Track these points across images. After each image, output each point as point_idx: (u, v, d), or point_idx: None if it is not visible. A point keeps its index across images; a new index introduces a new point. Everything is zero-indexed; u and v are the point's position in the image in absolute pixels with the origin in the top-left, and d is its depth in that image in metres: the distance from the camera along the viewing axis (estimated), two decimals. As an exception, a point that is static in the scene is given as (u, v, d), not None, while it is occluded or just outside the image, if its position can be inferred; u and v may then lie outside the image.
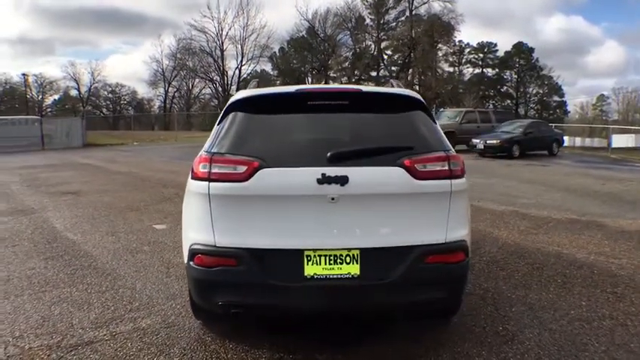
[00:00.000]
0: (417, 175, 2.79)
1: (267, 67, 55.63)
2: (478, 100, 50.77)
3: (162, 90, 58.98)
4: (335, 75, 50.67)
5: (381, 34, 50.71)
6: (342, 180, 2.72)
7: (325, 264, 2.76)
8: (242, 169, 2.77)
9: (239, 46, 52.29)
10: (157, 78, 56.07)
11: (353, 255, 2.77)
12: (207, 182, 2.81)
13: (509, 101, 62.00)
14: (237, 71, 53.40)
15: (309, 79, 52.55)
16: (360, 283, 2.76)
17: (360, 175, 2.76)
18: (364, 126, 3.12)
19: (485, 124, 20.56)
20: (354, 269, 2.76)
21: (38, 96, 68.07)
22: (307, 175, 2.73)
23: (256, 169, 2.76)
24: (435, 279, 2.84)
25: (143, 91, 78.36)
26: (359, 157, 2.83)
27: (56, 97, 69.67)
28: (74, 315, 3.76)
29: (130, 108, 67.93)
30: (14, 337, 3.39)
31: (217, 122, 3.16)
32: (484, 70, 61.88)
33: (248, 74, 53.64)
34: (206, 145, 3.00)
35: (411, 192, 2.80)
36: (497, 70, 61.45)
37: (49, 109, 67.79)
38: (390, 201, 2.82)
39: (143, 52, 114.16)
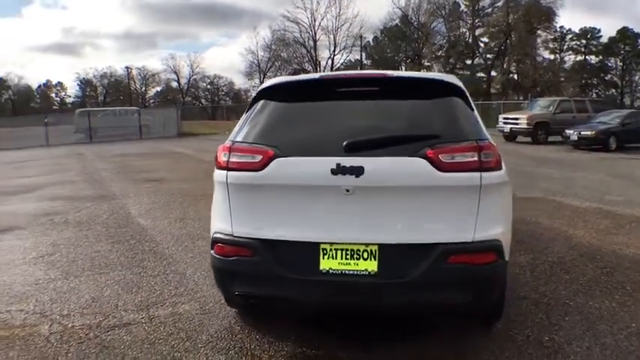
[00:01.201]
0: (440, 166, 2.60)
1: (361, 57, 55.99)
2: (580, 89, 48.18)
3: (257, 81, 61.40)
4: (429, 64, 49.64)
5: (476, 20, 49.04)
6: (357, 171, 2.61)
7: (342, 258, 2.67)
8: (258, 158, 2.78)
9: (331, 36, 53.18)
10: (253, 69, 58.57)
11: (371, 250, 2.66)
12: (225, 171, 2.87)
13: (613, 90, 58.70)
14: (329, 61, 54.34)
15: (403, 69, 52.02)
16: (377, 281, 2.64)
17: (376, 165, 2.64)
18: (389, 113, 2.99)
19: (582, 114, 19.58)
20: (372, 266, 2.65)
21: (141, 88, 74.34)
22: (322, 165, 2.66)
23: (271, 159, 2.75)
24: (460, 280, 2.65)
25: (240, 82, 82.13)
26: (377, 147, 2.70)
27: (158, 88, 75.57)
28: (121, 297, 4.01)
29: (227, 99, 71.67)
30: (62, 315, 3.69)
31: (245, 110, 3.18)
32: (587, 57, 58.98)
33: (341, 64, 54.34)
34: (232, 134, 3.04)
35: (434, 185, 2.63)
36: (600, 57, 58.71)
37: (151, 101, 73.85)
38: (410, 194, 2.67)
39: (240, 44, 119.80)
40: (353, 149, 2.66)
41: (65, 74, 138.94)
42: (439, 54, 50.23)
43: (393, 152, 2.67)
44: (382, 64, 51.26)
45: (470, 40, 49.69)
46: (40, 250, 5.49)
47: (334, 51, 53.71)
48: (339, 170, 2.62)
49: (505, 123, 20.33)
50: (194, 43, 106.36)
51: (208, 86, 74.22)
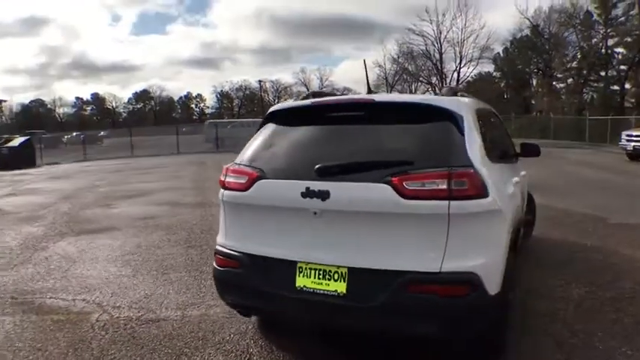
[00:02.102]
0: (404, 193, 2.66)
1: (490, 69, 54.17)
2: None
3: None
4: (560, 75, 46.29)
5: (609, 30, 44.71)
6: (323, 195, 2.79)
7: (315, 278, 2.86)
8: (244, 179, 3.14)
9: (457, 49, 52.27)
10: (379, 82, 59.42)
11: (341, 272, 2.80)
12: (223, 190, 3.29)
13: None
14: (455, 74, 53.38)
15: (533, 81, 49.16)
16: (345, 302, 2.77)
17: (341, 190, 2.79)
18: (372, 138, 3.07)
19: None
20: (341, 287, 2.78)
21: (274, 100, 79.05)
22: (294, 188, 2.88)
23: (255, 180, 3.08)
24: (425, 311, 2.65)
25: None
26: (345, 172, 2.84)
27: (290, 101, 79.89)
28: (169, 296, 4.55)
29: (355, 111, 73.46)
30: (114, 307, 4.32)
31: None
32: None
33: (471, 77, 53.10)
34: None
35: (397, 212, 2.68)
36: None
37: (283, 112, 78.19)
38: (375, 220, 2.74)
39: (371, 57, 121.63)
40: (323, 174, 2.85)
41: (205, 86, 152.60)
42: (570, 65, 46.90)
43: (361, 178, 2.78)
44: (512, 77, 49.25)
45: (603, 51, 45.74)
46: (124, 249, 6.34)
47: (460, 63, 52.70)
48: (307, 194, 2.83)
49: (628, 140, 18.14)
50: (327, 57, 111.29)
51: (338, 99, 76.75)
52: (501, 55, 50.85)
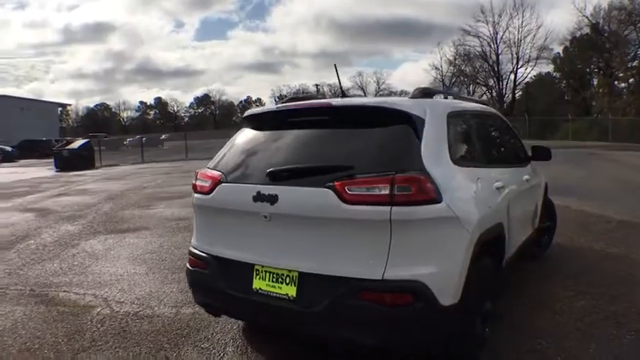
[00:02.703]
0: (346, 198, 2.66)
1: (550, 69, 52.45)
2: None
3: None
4: (621, 75, 43.94)
5: None
6: (272, 199, 2.88)
7: (269, 281, 2.95)
8: (208, 182, 3.30)
9: (514, 49, 51.03)
10: (436, 84, 58.81)
11: (292, 277, 2.87)
12: (193, 193, 3.46)
13: None
14: (512, 75, 52.07)
15: (594, 81, 47.02)
16: (295, 307, 2.83)
17: (288, 194, 2.86)
18: (328, 142, 3.10)
19: None
20: (292, 291, 2.85)
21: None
22: (247, 192, 2.99)
23: (216, 184, 3.23)
24: (367, 320, 2.64)
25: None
26: (293, 177, 2.91)
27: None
28: (171, 294, 4.78)
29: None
30: (118, 302, 4.59)
31: None
32: None
33: (530, 78, 51.67)
34: None
35: (339, 217, 2.69)
36: None
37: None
38: (321, 225, 2.77)
39: (431, 59, 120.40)
40: (274, 178, 2.95)
41: (264, 91, 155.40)
42: (632, 65, 44.56)
43: (308, 182, 2.83)
44: (571, 77, 47.55)
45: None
46: (146, 248, 6.66)
47: (517, 64, 51.32)
48: (258, 197, 2.93)
49: None
50: (386, 60, 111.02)
51: (397, 101, 76.84)
52: (561, 55, 49.13)
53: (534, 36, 49.50)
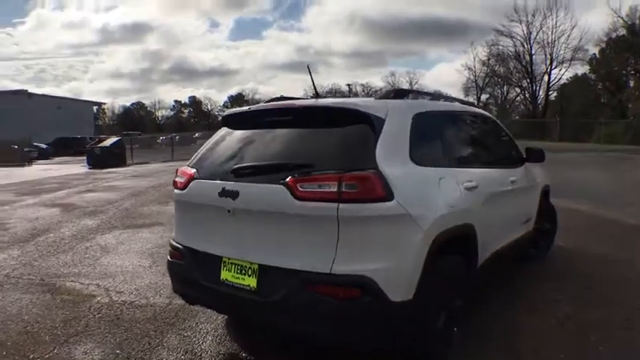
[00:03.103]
0: (297, 195, 2.82)
1: (584, 70, 51.29)
2: None
3: (471, 98, 61.30)
4: None
5: None
6: (234, 194, 3.09)
7: (234, 272, 3.15)
8: (184, 179, 3.55)
9: (547, 50, 50.17)
10: (469, 85, 58.23)
11: (253, 268, 3.06)
12: (174, 188, 3.69)
13: None
14: (545, 76, 51.12)
15: (630, 83, 45.77)
16: (255, 297, 3.03)
17: (247, 190, 3.07)
18: (290, 141, 3.28)
19: None
20: (253, 282, 3.05)
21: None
22: (214, 188, 3.22)
23: (190, 180, 3.48)
24: (318, 312, 2.79)
25: (459, 97, 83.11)
26: (254, 174, 3.11)
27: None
28: (168, 286, 4.83)
29: (445, 114, 72.64)
30: (117, 292, 4.88)
31: None
32: None
33: (566, 79, 50.67)
34: None
35: (292, 212, 2.85)
36: None
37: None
38: (276, 220, 2.95)
39: (465, 59, 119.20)
40: (236, 175, 3.17)
41: (298, 90, 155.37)
42: None
43: (266, 179, 3.02)
44: (607, 79, 46.51)
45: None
46: (156, 242, 6.97)
47: (551, 65, 50.37)
48: (223, 193, 3.14)
49: None
50: (421, 60, 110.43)
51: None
52: (597, 56, 47.95)
53: (568, 36, 48.69)
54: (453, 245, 3.32)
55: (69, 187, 14.80)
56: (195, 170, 3.52)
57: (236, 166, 3.23)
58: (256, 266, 3.06)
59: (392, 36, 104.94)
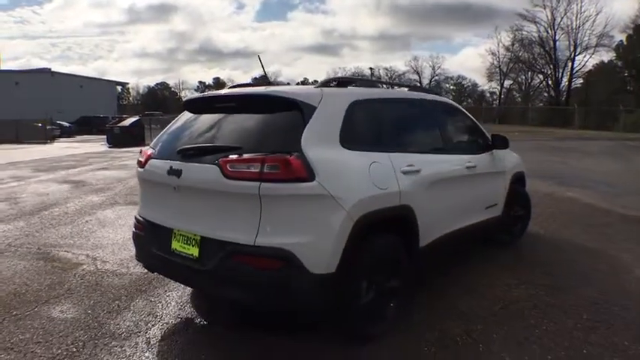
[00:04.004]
0: (226, 174, 3.15)
1: (610, 57, 50.25)
2: None
3: (494, 84, 60.57)
4: None
5: None
6: (177, 173, 3.47)
7: (182, 242, 3.54)
8: (143, 158, 3.96)
9: (572, 36, 49.19)
10: (492, 71, 57.52)
11: (196, 239, 3.44)
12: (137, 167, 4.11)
13: None
14: (569, 63, 50.14)
15: None
16: (195, 265, 3.41)
17: (188, 170, 3.44)
18: (230, 126, 3.64)
19: None
20: (195, 252, 3.42)
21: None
22: (164, 167, 3.61)
23: (148, 159, 3.89)
24: (242, 280, 3.14)
25: (482, 82, 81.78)
26: (195, 155, 3.47)
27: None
28: (152, 258, 5.46)
29: (469, 100, 71.63)
30: (103, 261, 5.39)
31: None
32: None
33: (592, 66, 49.78)
34: None
35: (222, 190, 3.19)
36: None
37: (392, 100, 78.72)
38: (211, 196, 3.30)
39: (489, 44, 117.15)
40: (182, 155, 3.55)
41: (322, 73, 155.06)
42: None
43: (204, 160, 3.38)
44: (633, 66, 45.39)
45: None
46: (151, 219, 7.41)
47: (574, 51, 49.39)
48: (170, 171, 3.54)
49: None
50: (447, 44, 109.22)
51: (452, 87, 75.53)
52: (624, 42, 46.86)
53: (593, 22, 47.73)
54: (387, 225, 3.65)
55: (84, 164, 15.48)
56: (152, 150, 3.93)
57: (181, 147, 3.62)
58: (199, 237, 3.43)
59: (418, 19, 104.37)
